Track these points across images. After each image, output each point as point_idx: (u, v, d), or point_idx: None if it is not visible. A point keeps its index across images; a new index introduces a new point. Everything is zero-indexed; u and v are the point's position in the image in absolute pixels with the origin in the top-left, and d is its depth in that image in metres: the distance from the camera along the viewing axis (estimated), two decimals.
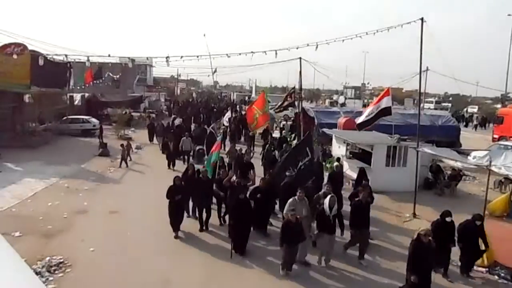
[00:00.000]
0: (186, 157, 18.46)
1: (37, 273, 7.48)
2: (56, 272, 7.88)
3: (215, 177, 11.04)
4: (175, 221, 9.80)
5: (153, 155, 20.38)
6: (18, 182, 14.09)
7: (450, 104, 64.31)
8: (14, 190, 13.13)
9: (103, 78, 37.43)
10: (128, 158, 18.16)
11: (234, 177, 11.13)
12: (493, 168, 9.19)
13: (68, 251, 8.70)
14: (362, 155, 16.30)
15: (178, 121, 26.54)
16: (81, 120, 26.23)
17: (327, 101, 67.40)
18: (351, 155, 16.87)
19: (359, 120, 15.26)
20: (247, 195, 9.69)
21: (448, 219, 8.09)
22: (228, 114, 26.05)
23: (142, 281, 7.62)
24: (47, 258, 8.28)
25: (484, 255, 8.68)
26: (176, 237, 9.67)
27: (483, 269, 8.61)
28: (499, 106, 43.90)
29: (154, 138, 23.02)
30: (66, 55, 17.10)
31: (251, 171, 12.67)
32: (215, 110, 37.09)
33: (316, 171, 11.33)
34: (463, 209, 12.50)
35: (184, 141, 18.37)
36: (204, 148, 18.50)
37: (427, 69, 29.32)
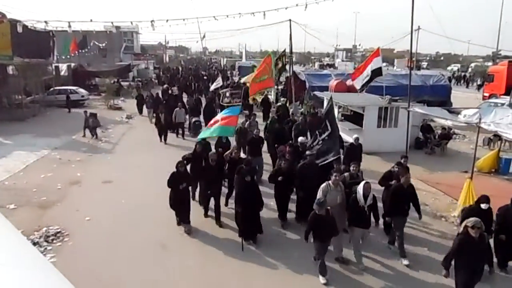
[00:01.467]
0: (180, 130, 17.32)
1: (34, 244, 7.58)
2: (54, 241, 7.97)
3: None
4: (183, 213, 8.35)
5: (143, 128, 19.80)
6: (8, 155, 13.97)
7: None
8: (5, 163, 13.04)
9: (89, 47, 36.45)
10: (99, 131, 17.55)
11: (242, 154, 10.06)
12: (482, 125, 9.26)
13: (65, 221, 8.77)
14: (353, 117, 16.33)
15: (175, 90, 25.08)
16: (69, 91, 25.69)
17: (317, 64, 66.64)
18: (343, 118, 16.89)
19: (358, 85, 15.15)
20: (270, 178, 8.77)
21: (484, 205, 6.68)
22: (218, 81, 25.27)
23: (140, 246, 7.75)
24: (44, 229, 8.36)
25: None
26: (189, 231, 8.25)
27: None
28: (489, 64, 43.87)
29: (144, 109, 21.89)
30: (46, 22, 16.44)
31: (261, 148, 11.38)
32: (205, 78, 35.69)
33: (337, 148, 9.56)
34: (453, 167, 12.82)
35: (177, 112, 17.00)
36: (201, 120, 17.69)
37: (419, 28, 28.88)
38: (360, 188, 6.82)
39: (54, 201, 10.03)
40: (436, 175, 12.18)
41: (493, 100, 21.82)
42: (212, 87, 24.49)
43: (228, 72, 44.01)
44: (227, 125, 9.76)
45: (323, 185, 7.33)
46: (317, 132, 9.59)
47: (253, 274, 6.97)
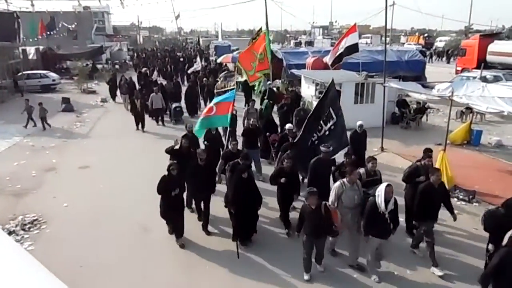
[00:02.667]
0: (159, 117, 16.11)
1: (10, 232, 7.43)
2: (32, 229, 7.83)
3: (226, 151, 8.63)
4: (176, 224, 7.10)
5: (119, 112, 19.01)
6: None
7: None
8: None
9: (57, 29, 34.96)
10: (72, 115, 16.87)
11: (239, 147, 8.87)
12: (455, 98, 9.47)
13: (41, 208, 8.60)
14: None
15: (155, 75, 22.91)
16: (39, 75, 24.73)
17: (292, 42, 66.30)
18: (320, 95, 16.94)
19: (330, 60, 15.20)
20: (271, 179, 7.61)
21: None
22: (198, 63, 24.13)
23: (120, 230, 7.69)
24: (20, 217, 8.19)
25: (445, 180, 9.26)
26: (182, 246, 7.04)
27: None
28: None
29: (118, 95, 20.53)
30: (6, 1, 15.56)
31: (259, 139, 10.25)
32: (182, 59, 33.31)
33: (345, 139, 8.72)
34: (428, 140, 13.14)
35: (153, 98, 15.63)
36: (182, 106, 16.64)
37: (394, 3, 28.99)
38: (380, 191, 5.74)
39: (29, 188, 9.79)
40: (412, 149, 12.48)
41: (465, 74, 22.32)
42: (191, 70, 23.51)
43: (206, 53, 42.50)
44: (221, 114, 8.80)
45: (337, 184, 6.30)
46: (321, 122, 8.37)
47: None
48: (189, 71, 23.98)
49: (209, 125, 9.19)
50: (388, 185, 5.75)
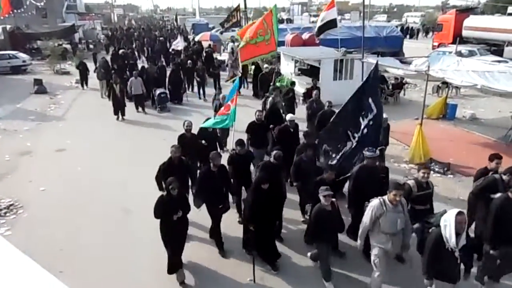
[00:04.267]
0: (139, 104, 14.68)
1: None
2: (8, 214, 7.65)
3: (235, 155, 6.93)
4: (175, 252, 5.69)
5: (95, 93, 17.81)
6: None
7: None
8: None
9: (25, 7, 33.33)
10: (46, 97, 16.12)
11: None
12: (431, 73, 9.63)
13: (17, 193, 8.39)
14: (310, 71, 16.38)
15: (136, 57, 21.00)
16: (7, 56, 23.63)
17: None
18: (299, 72, 16.92)
19: (315, 28, 15.39)
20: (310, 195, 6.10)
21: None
22: (179, 41, 22.50)
23: (100, 213, 7.60)
24: None
25: (421, 153, 9.50)
26: (183, 282, 5.70)
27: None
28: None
29: (91, 81, 18.54)
30: None
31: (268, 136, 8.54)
32: (160, 39, 30.32)
33: (380, 138, 7.20)
34: (405, 115, 13.38)
35: (133, 82, 14.28)
36: (167, 92, 15.19)
37: None
38: (449, 221, 4.30)
39: (3, 173, 9.51)
40: (391, 124, 12.69)
41: (442, 49, 22.63)
42: (173, 47, 22.19)
43: (185, 31, 40.88)
44: (226, 112, 7.80)
45: (375, 203, 4.95)
46: (360, 118, 6.73)
47: None
48: (170, 49, 22.69)
49: (219, 125, 7.95)
50: (459, 213, 4.30)
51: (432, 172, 9.04)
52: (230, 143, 8.16)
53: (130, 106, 14.40)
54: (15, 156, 10.61)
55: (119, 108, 13.76)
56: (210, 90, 15.59)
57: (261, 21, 11.28)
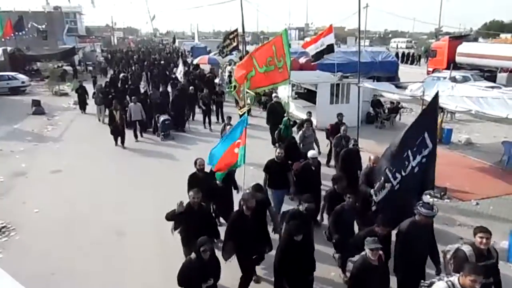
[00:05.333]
0: (138, 131, 14.01)
1: None
2: (0, 237, 7.52)
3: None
4: None
5: (92, 118, 17.04)
6: None
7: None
8: None
9: (26, 29, 33.86)
10: (44, 118, 15.98)
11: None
12: (426, 98, 9.77)
13: (10, 215, 8.26)
14: (307, 94, 16.58)
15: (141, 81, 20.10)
16: (7, 77, 23.83)
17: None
18: (296, 96, 17.10)
19: (312, 51, 15.43)
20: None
21: None
22: (180, 68, 21.41)
23: (94, 236, 7.47)
24: None
25: None
26: None
27: None
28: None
29: (89, 107, 17.88)
30: None
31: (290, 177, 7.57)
32: (161, 63, 30.02)
33: (432, 176, 6.09)
34: None
35: (132, 108, 13.69)
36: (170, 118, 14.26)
37: (367, 6, 29.61)
38: None
39: None
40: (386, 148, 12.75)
41: (436, 74, 23.03)
42: (178, 76, 20.65)
43: (184, 55, 40.90)
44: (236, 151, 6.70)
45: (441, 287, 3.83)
46: (408, 152, 5.85)
47: None
48: (177, 75, 21.01)
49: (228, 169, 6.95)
50: None
51: (428, 196, 9.08)
52: (240, 180, 7.25)
53: (129, 134, 13.65)
54: (9, 177, 10.52)
55: (118, 136, 13.16)
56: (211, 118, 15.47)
57: (270, 47, 9.83)
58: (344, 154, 8.35)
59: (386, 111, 15.78)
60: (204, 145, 12.57)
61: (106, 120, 14.63)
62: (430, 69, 28.20)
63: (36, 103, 18.68)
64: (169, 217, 5.61)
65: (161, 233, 6.89)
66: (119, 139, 13.16)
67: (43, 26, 37.48)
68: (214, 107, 16.12)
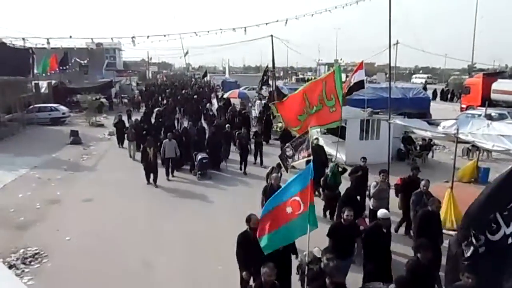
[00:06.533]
0: (170, 169, 13.31)
1: (11, 266, 7.34)
2: (32, 263, 7.72)
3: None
4: None
5: (125, 153, 16.50)
6: None
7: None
8: None
9: (70, 64, 36.12)
10: (79, 148, 16.41)
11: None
12: (460, 136, 9.49)
13: (43, 241, 8.51)
14: (336, 130, 16.47)
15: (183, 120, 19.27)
16: (49, 108, 25.32)
17: (294, 78, 68.48)
18: (325, 131, 17.05)
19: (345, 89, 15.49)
20: None
21: None
22: (214, 103, 21.35)
23: (122, 266, 7.55)
24: (21, 250, 8.10)
25: (453, 219, 9.10)
26: None
27: (452, 232, 9.01)
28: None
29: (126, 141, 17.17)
30: (24, 39, 16.21)
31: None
32: (194, 97, 29.43)
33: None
34: (434, 177, 12.99)
35: (166, 145, 13.14)
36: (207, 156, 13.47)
37: (397, 43, 29.75)
38: None
39: (32, 221, 9.74)
40: None
41: (470, 111, 22.45)
42: (214, 110, 20.46)
43: (217, 91, 41.30)
44: (298, 213, 5.34)
45: None
46: (496, 215, 4.70)
47: None
48: (212, 109, 20.59)
49: (283, 242, 5.53)
50: None
51: None
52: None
53: (161, 171, 13.10)
54: (45, 204, 10.92)
55: (151, 173, 12.64)
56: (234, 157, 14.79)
57: (321, 84, 8.94)
58: (423, 216, 6.93)
59: (418, 148, 15.42)
60: (243, 188, 12.44)
61: (137, 156, 14.76)
62: (464, 106, 27.58)
63: (74, 133, 19.60)
64: None
65: (189, 268, 6.87)
66: (151, 176, 12.66)
67: (85, 61, 39.86)
68: (252, 147, 15.06)
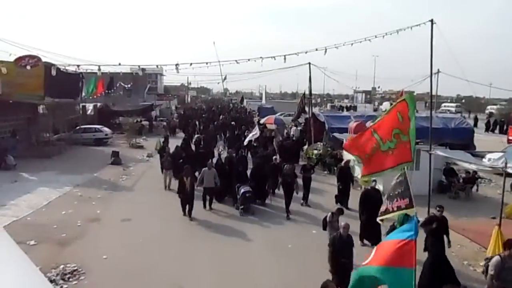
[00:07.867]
0: (207, 199, 12.48)
1: (51, 281, 7.56)
2: (70, 279, 7.95)
3: None
4: None
5: (161, 179, 15.48)
6: (33, 191, 14.29)
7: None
8: (29, 199, 13.32)
9: (115, 88, 38.08)
10: (120, 169, 16.81)
11: None
12: (509, 170, 8.99)
13: (82, 258, 8.77)
14: None
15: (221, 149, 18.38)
16: (94, 129, 26.63)
17: (329, 105, 68.44)
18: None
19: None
20: None
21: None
22: (256, 132, 18.85)
23: (156, 286, 7.61)
24: (61, 266, 8.37)
25: None
26: None
27: None
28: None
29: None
30: (78, 66, 17.34)
31: None
32: (232, 123, 28.47)
33: None
34: (480, 212, 12.34)
35: (205, 173, 12.25)
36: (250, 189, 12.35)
37: (438, 71, 29.03)
38: None
39: (73, 238, 10.10)
40: (461, 221, 11.71)
41: None
42: (248, 139, 18.83)
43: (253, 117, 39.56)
44: (402, 265, 4.87)
45: None
46: None
47: None
48: (246, 140, 18.88)
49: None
50: None
51: None
52: None
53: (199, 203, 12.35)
54: (85, 222, 11.31)
55: (187, 204, 11.84)
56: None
57: (395, 114, 7.56)
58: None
59: (461, 180, 14.70)
60: (292, 225, 11.54)
61: (172, 185, 14.49)
62: (511, 138, 26.19)
63: (115, 154, 20.39)
64: None
65: None
66: (187, 208, 11.83)
67: (129, 85, 41.92)
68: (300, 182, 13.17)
